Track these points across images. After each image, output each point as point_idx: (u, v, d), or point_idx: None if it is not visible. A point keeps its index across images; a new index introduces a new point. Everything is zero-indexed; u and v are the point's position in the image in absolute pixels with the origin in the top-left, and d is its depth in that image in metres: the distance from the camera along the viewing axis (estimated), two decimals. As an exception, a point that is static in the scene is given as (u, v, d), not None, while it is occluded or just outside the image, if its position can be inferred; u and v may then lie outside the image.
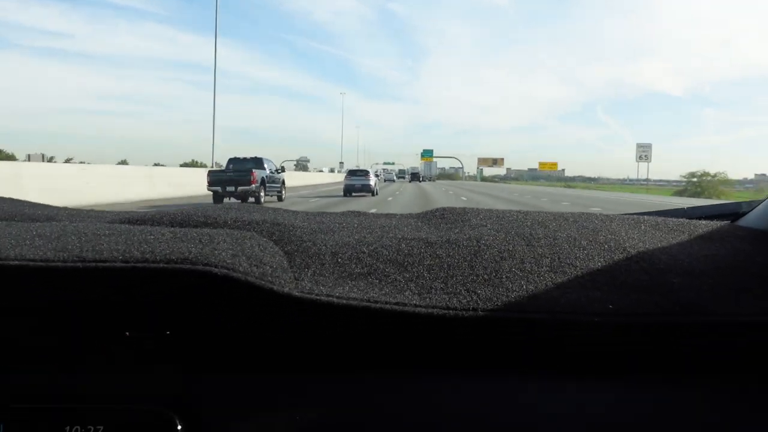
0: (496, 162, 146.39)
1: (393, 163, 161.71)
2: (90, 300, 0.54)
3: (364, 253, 0.63)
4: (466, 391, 0.55)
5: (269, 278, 0.53)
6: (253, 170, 17.60)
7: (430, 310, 0.54)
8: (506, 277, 0.59)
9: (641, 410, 0.54)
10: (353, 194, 25.99)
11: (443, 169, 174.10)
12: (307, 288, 0.55)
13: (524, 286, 0.57)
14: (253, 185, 17.22)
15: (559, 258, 0.63)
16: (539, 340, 0.56)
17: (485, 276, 0.59)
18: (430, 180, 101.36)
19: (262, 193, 17.83)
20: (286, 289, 0.53)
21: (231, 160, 19.28)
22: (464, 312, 0.54)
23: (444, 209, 0.85)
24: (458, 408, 0.54)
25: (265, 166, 18.99)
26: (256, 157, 19.21)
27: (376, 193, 27.51)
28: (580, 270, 0.61)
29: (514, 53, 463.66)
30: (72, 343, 0.57)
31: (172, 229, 0.64)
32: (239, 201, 15.25)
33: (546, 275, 0.59)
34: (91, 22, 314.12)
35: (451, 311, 0.54)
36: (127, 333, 0.57)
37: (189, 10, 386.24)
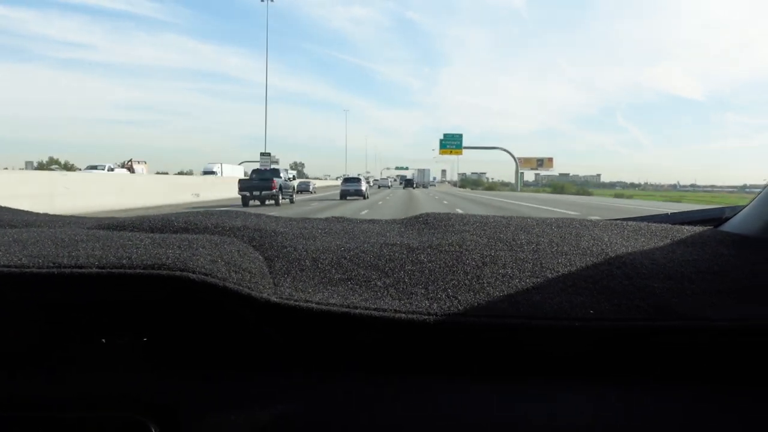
0: (542, 163, 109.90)
1: (407, 168, 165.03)
2: (65, 306, 0.54)
3: (344, 258, 0.63)
4: (447, 397, 0.54)
5: (248, 284, 0.53)
6: (273, 179, 22.78)
7: (410, 316, 0.54)
8: (488, 282, 0.59)
9: (623, 414, 0.53)
10: (348, 198, 30.96)
11: (464, 174, 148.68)
12: (286, 294, 0.55)
13: (506, 291, 0.57)
14: (274, 190, 22.48)
15: (541, 263, 0.63)
16: (520, 345, 0.56)
17: (466, 281, 0.59)
18: (423, 187, 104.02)
19: (280, 196, 23.02)
20: (264, 295, 0.53)
21: (254, 171, 25.27)
22: (445, 317, 0.54)
23: (428, 215, 0.86)
24: (438, 414, 0.53)
25: (282, 175, 24.63)
26: (274, 169, 26.08)
27: (367, 197, 32.68)
28: (562, 275, 0.61)
29: (531, 58, 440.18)
30: (47, 349, 0.57)
31: (151, 234, 0.65)
32: (261, 203, 22.49)
33: (528, 280, 0.59)
34: (111, 34, 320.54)
35: (431, 317, 0.54)
36: (104, 339, 0.57)
37: (208, 21, 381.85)
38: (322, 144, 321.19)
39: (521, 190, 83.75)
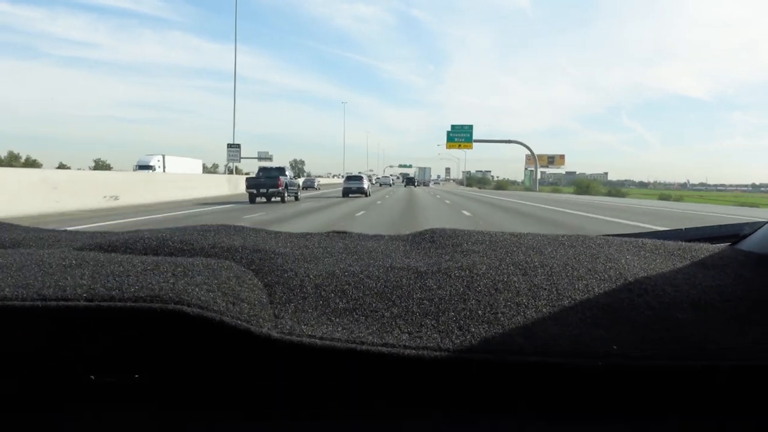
0: (553, 160, 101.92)
1: (410, 166, 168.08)
2: (52, 340, 0.52)
3: (349, 284, 0.60)
4: None
5: (246, 317, 0.51)
6: (279, 177, 23.48)
7: (420, 352, 0.51)
8: (502, 312, 0.56)
9: None
10: (350, 195, 31.30)
11: (469, 172, 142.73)
12: (288, 327, 0.52)
13: (521, 323, 0.55)
14: (280, 188, 23.09)
15: (556, 290, 0.60)
16: (538, 383, 0.53)
17: (479, 311, 0.56)
18: (424, 185, 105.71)
19: (286, 194, 23.76)
20: (264, 330, 0.51)
21: (261, 169, 25.66)
22: (457, 354, 0.51)
23: (434, 231, 0.83)
24: None
25: (287, 173, 25.05)
26: (279, 167, 25.75)
27: (369, 195, 33.14)
28: (579, 303, 0.58)
29: (536, 58, 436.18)
30: (33, 387, 0.55)
31: (144, 258, 0.62)
32: (268, 200, 22.87)
33: (544, 309, 0.57)
34: (117, 32, 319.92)
35: (443, 353, 0.51)
36: (92, 376, 0.54)
37: (214, 19, 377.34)
38: (324, 142, 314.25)
39: (539, 190, 76.16)
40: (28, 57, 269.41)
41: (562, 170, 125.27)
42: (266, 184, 22.97)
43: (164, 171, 40.98)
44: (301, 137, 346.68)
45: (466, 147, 65.44)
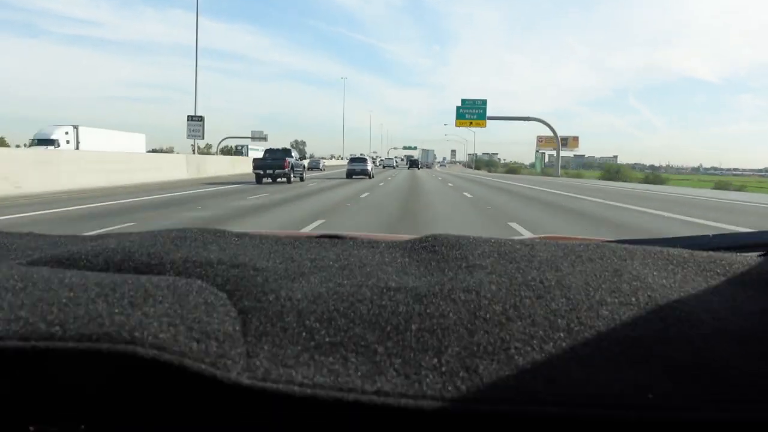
0: (566, 142, 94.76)
1: (415, 147, 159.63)
2: None
3: (337, 311, 0.53)
4: None
5: (212, 359, 0.44)
6: (286, 158, 24.37)
7: (419, 402, 0.44)
8: (515, 347, 0.48)
9: None
10: (354, 177, 31.36)
11: (475, 155, 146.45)
12: (262, 371, 0.45)
13: (538, 362, 0.47)
14: (286, 169, 23.84)
15: (577, 318, 0.52)
16: None
17: (489, 346, 0.48)
18: (427, 167, 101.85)
19: (292, 175, 24.51)
20: (233, 375, 0.44)
21: (267, 150, 26.21)
22: (464, 404, 0.45)
23: (435, 238, 0.74)
24: None
25: (293, 154, 26.34)
26: (285, 148, 27.03)
27: (373, 176, 33.25)
28: (605, 336, 0.50)
29: (543, 39, 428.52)
30: None
31: (103, 277, 0.55)
32: (273, 181, 23.70)
33: (563, 344, 0.49)
34: (119, 10, 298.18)
35: (447, 403, 0.44)
36: (32, 428, 0.48)
37: None
38: (326, 123, 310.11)
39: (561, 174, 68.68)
40: (27, 35, 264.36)
41: (571, 153, 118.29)
42: (272, 165, 23.78)
43: (76, 147, 32.32)
44: (303, 118, 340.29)
45: (478, 125, 54.26)
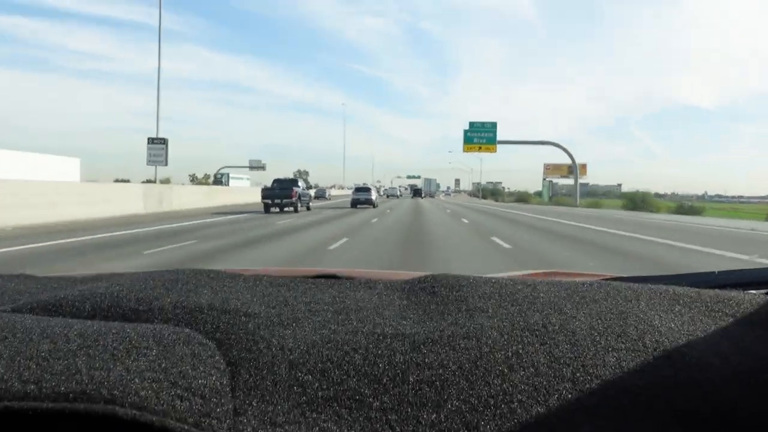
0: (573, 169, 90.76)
1: (418, 177, 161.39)
2: None
3: (331, 362, 0.50)
4: None
5: (196, 419, 0.42)
6: (293, 188, 25.07)
7: None
8: (518, 400, 0.46)
9: None
10: (358, 206, 32.10)
11: (479, 184, 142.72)
12: (249, 430, 0.44)
13: (543, 416, 0.45)
14: (293, 198, 24.42)
15: (583, 366, 0.49)
16: None
17: (491, 400, 0.46)
18: (430, 196, 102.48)
19: (299, 204, 25.00)
20: None
21: (276, 180, 26.65)
22: None
23: (435, 278, 0.71)
24: None
25: (300, 184, 26.80)
26: (293, 178, 28.58)
27: (377, 205, 33.99)
28: (612, 386, 0.48)
29: (544, 68, 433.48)
30: None
31: (86, 326, 0.52)
32: (281, 210, 24.59)
33: (569, 396, 0.47)
34: (129, 44, 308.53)
35: None
36: None
37: (225, 32, 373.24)
38: (329, 152, 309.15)
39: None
40: (41, 70, 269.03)
41: (571, 181, 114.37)
42: (280, 194, 24.41)
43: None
44: (305, 148, 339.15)
45: (487, 149, 48.10)
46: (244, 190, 42.64)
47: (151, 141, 25.59)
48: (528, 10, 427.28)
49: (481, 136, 47.86)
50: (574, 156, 49.44)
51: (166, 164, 25.56)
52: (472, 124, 47.89)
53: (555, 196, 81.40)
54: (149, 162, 25.58)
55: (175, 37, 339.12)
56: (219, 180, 75.86)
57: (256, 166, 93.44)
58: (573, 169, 46.19)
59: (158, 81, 26.04)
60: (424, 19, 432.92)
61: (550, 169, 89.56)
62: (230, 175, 77.74)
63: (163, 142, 25.62)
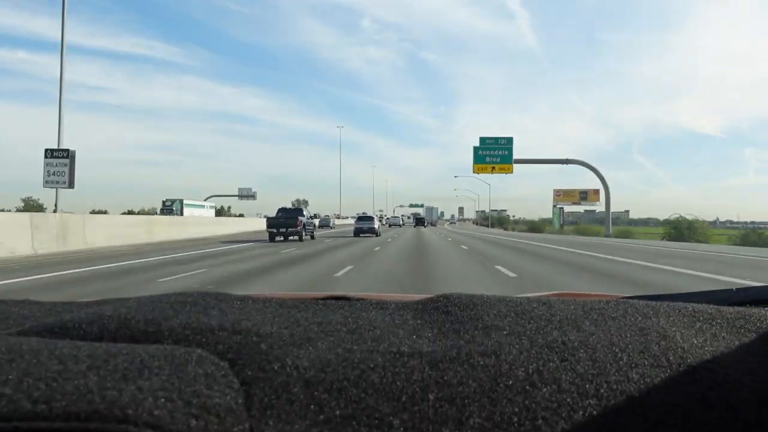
0: (585, 195, 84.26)
1: (422, 205, 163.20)
2: None
3: (347, 380, 0.49)
4: None
5: None
6: (298, 217, 25.56)
7: None
8: (541, 416, 0.45)
9: None
10: (361, 235, 32.47)
11: (483, 212, 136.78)
12: None
13: (568, 430, 0.44)
14: (298, 227, 24.81)
15: (606, 382, 0.48)
16: None
17: (513, 416, 0.45)
18: (432, 225, 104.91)
19: (303, 233, 25.29)
20: None
21: (281, 210, 27.23)
22: None
23: (447, 298, 0.70)
24: None
25: (304, 213, 27.18)
26: (298, 208, 29.99)
27: (379, 234, 34.39)
28: (638, 402, 0.46)
29: (546, 96, 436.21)
30: None
31: (96, 348, 0.51)
32: (285, 239, 25.07)
33: (594, 412, 0.45)
34: (131, 77, 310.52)
35: None
36: None
37: (227, 64, 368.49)
38: (328, 181, 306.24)
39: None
40: (43, 103, 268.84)
41: (593, 207, 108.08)
42: (286, 223, 24.95)
43: None
44: (305, 177, 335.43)
45: (502, 170, 38.94)
46: (203, 221, 36.59)
47: (51, 154, 18.81)
48: (529, 39, 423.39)
49: (494, 154, 39.10)
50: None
51: (71, 186, 19.02)
52: (483, 139, 39.21)
53: (566, 224, 75.10)
54: (47, 183, 18.85)
55: (178, 69, 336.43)
56: (169, 209, 61.84)
57: (246, 195, 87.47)
58: (604, 192, 38.80)
59: (60, 87, 20.00)
60: (425, 48, 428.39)
61: (561, 195, 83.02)
62: (185, 203, 65.59)
63: (66, 155, 18.78)
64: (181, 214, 57.09)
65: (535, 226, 79.96)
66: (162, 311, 0.63)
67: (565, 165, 37.23)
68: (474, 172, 39.48)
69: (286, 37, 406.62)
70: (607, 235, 35.57)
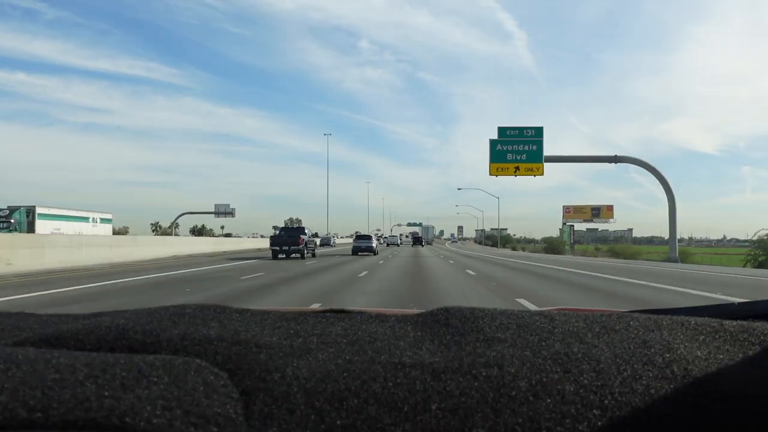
0: (598, 212, 75.42)
1: (420, 224, 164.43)
2: None
3: (348, 390, 0.48)
4: None
5: None
6: (300, 235, 27.18)
7: None
8: (546, 427, 0.44)
9: None
10: (359, 254, 33.38)
11: (482, 231, 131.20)
12: None
13: None
14: (300, 245, 26.41)
15: (610, 393, 0.48)
16: None
17: (516, 426, 0.45)
18: (428, 243, 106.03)
19: (305, 251, 26.96)
20: None
21: (283, 228, 29.65)
22: None
23: (448, 311, 0.70)
24: None
25: (306, 231, 28.48)
26: (300, 227, 30.66)
27: (377, 253, 35.84)
28: (643, 414, 0.46)
29: (543, 115, 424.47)
30: None
31: (93, 357, 0.50)
32: (287, 256, 26.71)
33: (599, 423, 0.45)
34: (130, 98, 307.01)
35: None
36: None
37: (225, 85, 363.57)
38: (323, 200, 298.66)
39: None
40: (43, 125, 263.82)
41: (607, 225, 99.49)
42: (288, 241, 26.57)
43: None
44: (302, 196, 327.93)
45: (530, 172, 27.73)
46: (76, 242, 22.40)
47: None
48: (526, 60, 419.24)
49: (518, 149, 27.80)
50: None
51: None
52: (503, 130, 28.20)
53: (577, 243, 66.21)
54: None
55: (176, 91, 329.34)
56: (4, 220, 41.81)
57: (223, 212, 78.03)
58: (670, 203, 28.16)
59: None
60: (423, 68, 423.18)
61: (571, 212, 74.48)
62: (38, 212, 44.45)
63: None
64: (28, 229, 39.86)
65: (551, 246, 70.43)
66: (160, 322, 0.62)
67: (611, 164, 27.78)
68: (491, 173, 28.11)
69: (285, 57, 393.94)
70: (672, 260, 25.95)
